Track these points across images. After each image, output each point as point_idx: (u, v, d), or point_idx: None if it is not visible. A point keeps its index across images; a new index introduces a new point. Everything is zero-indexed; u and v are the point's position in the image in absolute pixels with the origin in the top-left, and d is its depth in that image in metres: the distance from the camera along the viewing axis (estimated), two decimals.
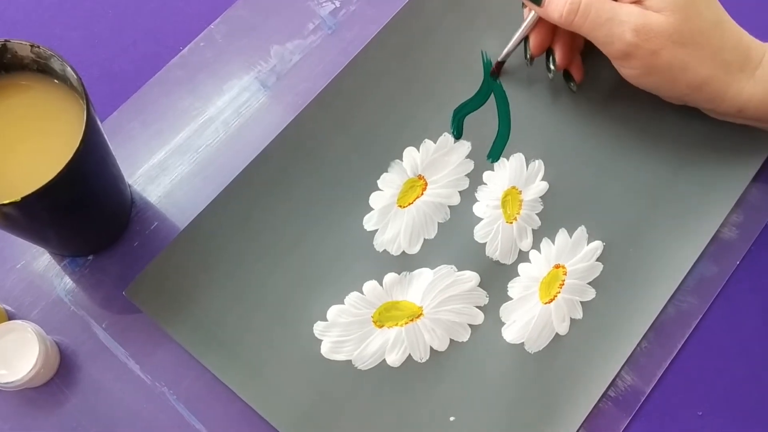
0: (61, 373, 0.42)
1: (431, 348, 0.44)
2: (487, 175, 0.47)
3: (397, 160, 0.47)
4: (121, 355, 0.43)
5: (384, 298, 0.44)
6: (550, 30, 0.46)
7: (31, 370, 0.39)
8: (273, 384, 0.42)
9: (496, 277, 0.45)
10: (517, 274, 0.45)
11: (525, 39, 0.47)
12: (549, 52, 0.47)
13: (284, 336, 0.43)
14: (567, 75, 0.48)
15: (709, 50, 0.41)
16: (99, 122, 0.37)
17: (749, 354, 0.44)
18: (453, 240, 0.45)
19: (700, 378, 0.44)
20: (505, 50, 0.47)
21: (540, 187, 0.47)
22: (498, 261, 0.45)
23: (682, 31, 0.41)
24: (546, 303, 0.44)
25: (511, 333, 0.44)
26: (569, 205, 0.46)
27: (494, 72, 0.48)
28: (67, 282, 0.44)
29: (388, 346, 0.43)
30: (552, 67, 0.46)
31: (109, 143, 0.39)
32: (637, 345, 0.44)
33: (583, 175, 0.47)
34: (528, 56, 0.47)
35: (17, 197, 0.33)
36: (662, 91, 0.44)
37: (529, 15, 0.45)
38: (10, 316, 0.43)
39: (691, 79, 0.42)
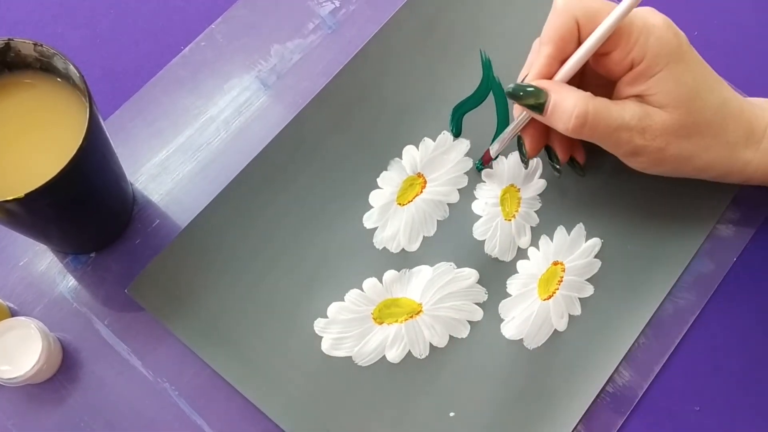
0: (64, 370, 0.43)
1: (431, 344, 0.44)
2: (485, 173, 0.47)
3: (397, 159, 0.47)
4: (123, 351, 0.43)
5: (384, 295, 0.45)
6: (545, 127, 0.43)
7: (34, 366, 0.40)
8: (274, 380, 0.43)
9: (495, 274, 0.45)
10: (516, 271, 0.45)
11: (519, 139, 0.44)
12: (548, 149, 0.45)
13: (285, 332, 0.44)
14: (572, 162, 0.45)
15: (713, 136, 0.41)
16: (101, 120, 0.38)
17: (746, 350, 0.45)
18: (452, 237, 0.46)
19: (697, 374, 0.44)
20: (495, 148, 0.45)
21: (538, 184, 0.47)
22: (497, 258, 0.45)
23: (686, 125, 0.40)
24: (545, 300, 0.45)
25: (510, 329, 0.44)
26: (567, 203, 0.47)
27: (486, 161, 0.46)
28: (70, 279, 0.44)
29: (388, 342, 0.44)
30: (557, 165, 0.44)
31: (111, 141, 0.40)
32: (635, 341, 0.44)
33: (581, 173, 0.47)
34: (525, 159, 0.44)
35: (21, 194, 0.33)
36: (669, 176, 0.43)
37: (521, 113, 0.43)
38: (13, 313, 0.43)
39: (696, 166, 0.42)
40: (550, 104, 0.40)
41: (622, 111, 0.40)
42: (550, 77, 0.41)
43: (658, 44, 0.39)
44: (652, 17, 0.40)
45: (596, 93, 0.40)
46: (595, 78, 0.43)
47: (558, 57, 0.41)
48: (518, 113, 0.43)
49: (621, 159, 0.43)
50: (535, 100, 0.40)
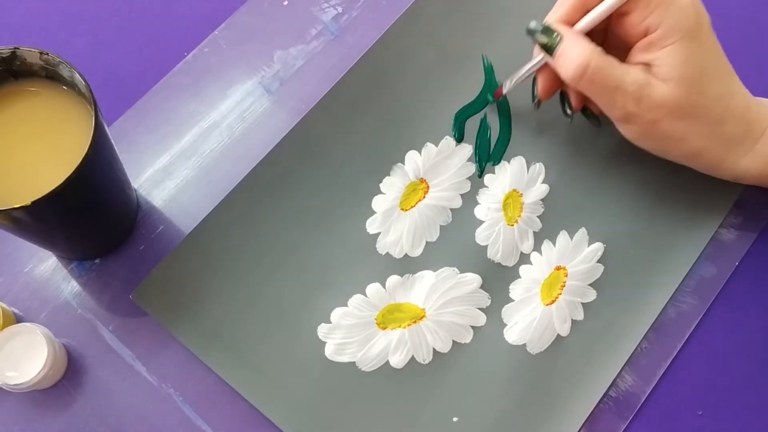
0: (69, 375, 0.43)
1: (434, 349, 0.44)
2: (488, 178, 0.47)
3: (399, 164, 0.47)
4: (128, 357, 0.43)
5: (387, 301, 0.45)
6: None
7: (39, 372, 0.40)
8: (278, 385, 0.43)
9: (497, 279, 0.45)
10: (519, 276, 0.46)
11: (533, 79, 0.45)
12: (562, 94, 0.45)
13: (289, 338, 0.44)
14: (585, 111, 0.46)
15: (708, 124, 0.41)
16: (106, 127, 0.38)
17: (749, 354, 0.45)
18: (455, 242, 0.46)
19: (700, 378, 0.44)
20: (509, 83, 0.46)
21: (541, 189, 0.47)
22: (499, 263, 0.46)
23: (684, 104, 0.40)
24: (547, 304, 0.45)
25: (513, 334, 0.44)
26: (570, 208, 0.47)
27: (497, 95, 0.48)
28: (74, 285, 0.44)
29: (392, 347, 0.44)
30: (569, 111, 0.45)
31: (115, 148, 0.40)
32: (638, 345, 0.44)
33: (584, 178, 0.47)
34: (535, 100, 0.46)
35: (27, 201, 0.33)
36: (657, 154, 0.44)
37: (539, 54, 0.44)
38: (19, 320, 0.44)
39: (686, 150, 0.42)
40: (559, 49, 0.41)
41: (624, 73, 0.40)
42: (572, 24, 0.42)
43: (676, 16, 0.39)
44: None
45: (615, 56, 0.41)
46: (617, 41, 0.43)
47: (582, 6, 0.42)
48: (537, 54, 0.44)
49: (615, 123, 0.43)
50: (548, 40, 0.41)
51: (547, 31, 0.42)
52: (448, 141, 0.48)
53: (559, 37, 0.41)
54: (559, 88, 0.45)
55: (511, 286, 0.45)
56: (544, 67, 0.44)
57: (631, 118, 0.41)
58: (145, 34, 0.50)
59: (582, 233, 0.46)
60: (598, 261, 0.46)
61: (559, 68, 0.42)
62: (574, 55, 0.40)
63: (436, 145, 0.48)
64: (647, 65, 0.41)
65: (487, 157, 0.47)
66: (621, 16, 0.41)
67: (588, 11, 0.42)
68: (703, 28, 0.40)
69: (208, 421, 0.42)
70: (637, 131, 0.42)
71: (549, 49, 0.42)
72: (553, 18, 0.43)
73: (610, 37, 0.44)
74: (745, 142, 0.42)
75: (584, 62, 0.40)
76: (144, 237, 0.46)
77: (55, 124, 0.38)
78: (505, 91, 0.47)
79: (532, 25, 0.42)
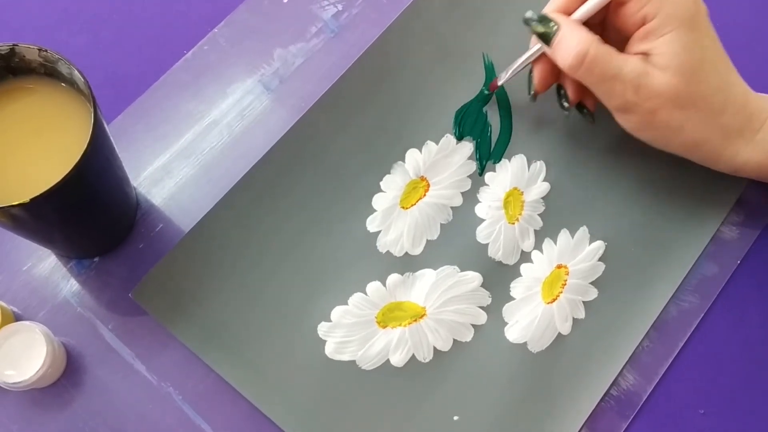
0: (68, 374, 0.43)
1: (435, 348, 0.44)
2: (489, 176, 0.47)
3: (400, 162, 0.47)
4: (127, 355, 0.43)
5: (387, 299, 0.45)
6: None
7: (38, 370, 0.40)
8: (278, 384, 0.43)
9: (498, 278, 0.45)
10: (520, 275, 0.45)
11: (530, 71, 0.45)
12: (559, 87, 0.45)
13: (289, 337, 0.44)
14: (581, 107, 0.46)
15: (708, 114, 0.41)
16: (105, 125, 0.38)
17: (750, 352, 0.45)
18: (456, 241, 0.46)
19: (701, 377, 0.44)
20: (506, 74, 0.46)
21: (542, 187, 0.47)
22: (500, 261, 0.45)
23: (683, 94, 0.40)
24: (548, 303, 0.45)
25: (514, 333, 0.44)
26: (571, 206, 0.47)
27: (492, 88, 0.48)
28: (73, 284, 0.44)
29: (392, 346, 0.44)
30: (565, 104, 0.45)
31: (114, 146, 0.40)
32: (639, 344, 0.44)
33: (585, 176, 0.47)
34: (532, 92, 0.45)
35: (26, 199, 0.33)
36: (656, 146, 0.43)
37: (536, 44, 0.43)
38: (18, 318, 0.43)
39: (685, 140, 0.42)
40: (557, 37, 0.41)
41: (622, 62, 0.40)
42: (569, 14, 0.42)
43: (674, 4, 0.40)
44: None
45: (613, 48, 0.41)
46: (615, 33, 0.43)
47: None
48: (533, 44, 0.44)
49: (613, 114, 0.43)
50: (545, 29, 0.41)
51: (544, 20, 0.42)
52: (449, 139, 0.48)
53: (556, 26, 0.41)
54: (556, 80, 0.45)
55: (512, 285, 0.45)
56: (541, 58, 0.44)
57: (629, 107, 0.41)
58: (145, 32, 0.50)
59: (583, 231, 0.46)
60: (599, 259, 0.46)
61: (556, 57, 0.42)
62: (573, 43, 0.40)
63: (437, 143, 0.48)
64: (646, 54, 0.41)
65: (487, 155, 0.47)
66: (618, 5, 0.42)
67: (585, 1, 0.42)
68: (701, 18, 0.40)
69: (207, 419, 0.42)
70: (636, 121, 0.42)
71: (546, 39, 0.42)
72: (550, 8, 0.43)
73: (607, 29, 0.44)
74: (744, 134, 0.42)
75: (582, 50, 0.40)
76: (143, 235, 0.45)
77: (54, 121, 0.38)
78: (500, 82, 0.47)
79: (529, 14, 0.42)
